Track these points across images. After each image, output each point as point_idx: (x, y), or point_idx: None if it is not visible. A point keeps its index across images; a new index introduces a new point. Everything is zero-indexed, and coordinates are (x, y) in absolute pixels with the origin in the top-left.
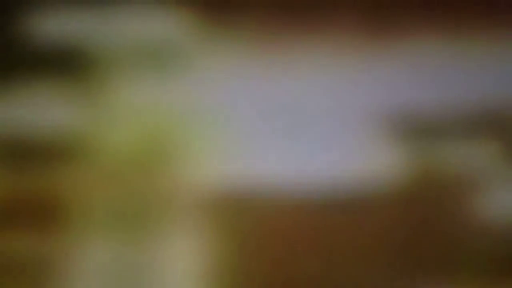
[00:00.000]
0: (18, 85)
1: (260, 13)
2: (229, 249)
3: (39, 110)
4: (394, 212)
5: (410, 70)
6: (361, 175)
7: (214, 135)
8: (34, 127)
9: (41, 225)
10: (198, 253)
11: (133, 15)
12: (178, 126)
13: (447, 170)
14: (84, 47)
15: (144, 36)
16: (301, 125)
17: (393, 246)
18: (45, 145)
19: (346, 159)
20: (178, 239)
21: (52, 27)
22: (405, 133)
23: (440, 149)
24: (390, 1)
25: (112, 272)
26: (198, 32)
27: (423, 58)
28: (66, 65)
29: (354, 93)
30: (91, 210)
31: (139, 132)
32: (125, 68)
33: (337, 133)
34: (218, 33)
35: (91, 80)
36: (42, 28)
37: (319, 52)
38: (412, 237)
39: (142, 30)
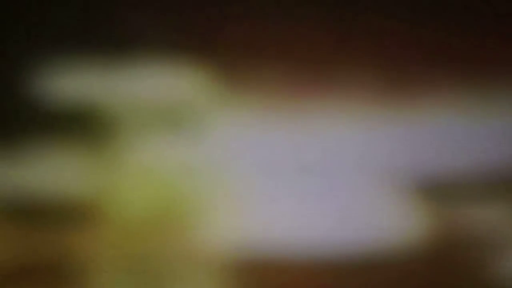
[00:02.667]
0: (29, 147)
1: (273, 72)
2: None
3: (51, 171)
4: (414, 272)
5: (430, 129)
6: (379, 235)
7: (227, 194)
8: (47, 188)
9: (55, 286)
10: None
11: (144, 75)
12: (190, 186)
13: (467, 230)
14: (96, 107)
15: (156, 96)
16: (318, 184)
17: None
18: (57, 206)
19: (364, 219)
20: None
21: (63, 88)
22: (425, 193)
23: (461, 210)
24: (411, 58)
25: None
26: (211, 91)
27: (444, 117)
28: (77, 125)
29: (373, 152)
30: (105, 270)
31: (151, 191)
32: (137, 129)
33: (355, 192)
34: (231, 93)
35: (103, 140)
36: (52, 89)
37: (336, 112)
38: None
39: (154, 91)
